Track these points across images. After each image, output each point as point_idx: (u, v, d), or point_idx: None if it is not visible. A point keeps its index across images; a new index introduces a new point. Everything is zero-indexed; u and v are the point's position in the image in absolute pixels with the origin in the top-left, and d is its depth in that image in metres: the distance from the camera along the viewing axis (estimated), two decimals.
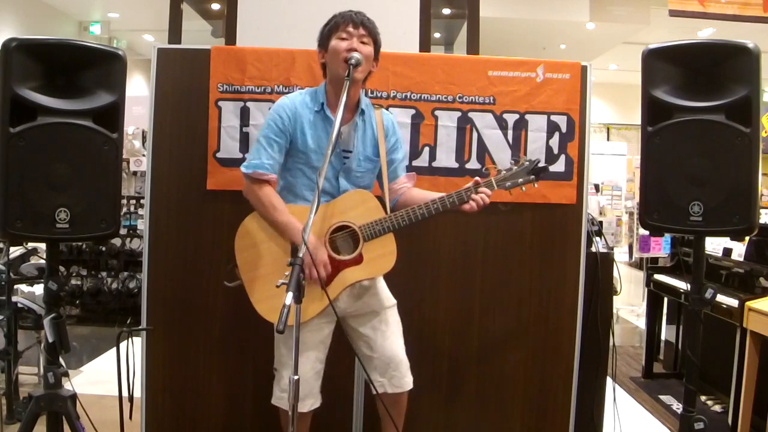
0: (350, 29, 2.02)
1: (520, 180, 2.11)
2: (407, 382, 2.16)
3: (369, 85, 2.34)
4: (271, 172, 2.03)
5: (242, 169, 2.05)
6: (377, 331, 2.13)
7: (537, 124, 2.58)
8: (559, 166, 2.59)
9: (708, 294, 2.13)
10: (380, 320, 2.14)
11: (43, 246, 2.71)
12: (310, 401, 2.08)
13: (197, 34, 4.55)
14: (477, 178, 2.09)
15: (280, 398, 2.10)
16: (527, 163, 2.11)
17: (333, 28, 2.05)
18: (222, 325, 2.58)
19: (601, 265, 2.70)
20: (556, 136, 2.58)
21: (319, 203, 1.74)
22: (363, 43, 2.02)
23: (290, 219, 2.00)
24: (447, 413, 2.64)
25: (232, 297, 2.53)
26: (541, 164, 2.15)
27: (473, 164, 2.57)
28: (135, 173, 5.43)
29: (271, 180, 2.04)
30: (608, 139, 13.31)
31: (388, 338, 2.14)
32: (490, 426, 2.65)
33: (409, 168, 2.41)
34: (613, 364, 2.71)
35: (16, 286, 3.47)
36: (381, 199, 2.12)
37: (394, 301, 2.21)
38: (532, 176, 2.11)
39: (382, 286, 2.20)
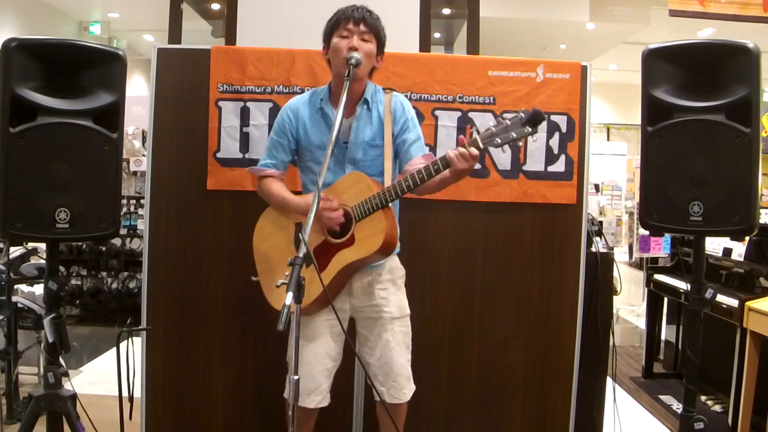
0: (351, 27, 1.99)
1: (514, 134, 1.82)
2: (405, 394, 2.10)
3: None
4: (271, 169, 2.13)
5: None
6: (381, 339, 2.09)
7: None
8: (559, 166, 2.58)
9: (708, 294, 2.13)
10: (387, 329, 2.09)
11: (43, 246, 2.71)
12: (317, 398, 2.04)
13: (197, 34, 4.56)
14: (461, 136, 2.00)
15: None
16: (522, 114, 1.82)
17: (334, 25, 2.03)
18: (222, 325, 2.58)
19: (601, 265, 2.69)
20: (556, 136, 2.58)
21: (318, 203, 1.75)
22: (364, 40, 1.99)
23: (285, 195, 2.08)
24: (447, 413, 2.64)
25: (233, 297, 2.55)
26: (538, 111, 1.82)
27: None
28: (135, 173, 5.42)
29: (273, 175, 2.13)
30: (608, 139, 13.30)
31: (392, 349, 2.08)
32: (490, 426, 2.65)
33: None
34: (613, 364, 2.71)
35: (16, 286, 3.47)
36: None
37: (407, 312, 2.14)
38: (528, 127, 1.82)
39: (400, 294, 2.14)
